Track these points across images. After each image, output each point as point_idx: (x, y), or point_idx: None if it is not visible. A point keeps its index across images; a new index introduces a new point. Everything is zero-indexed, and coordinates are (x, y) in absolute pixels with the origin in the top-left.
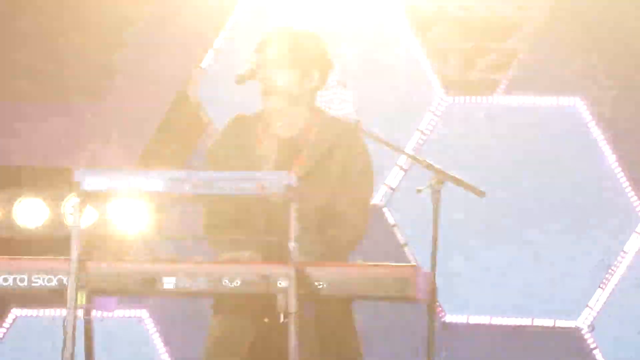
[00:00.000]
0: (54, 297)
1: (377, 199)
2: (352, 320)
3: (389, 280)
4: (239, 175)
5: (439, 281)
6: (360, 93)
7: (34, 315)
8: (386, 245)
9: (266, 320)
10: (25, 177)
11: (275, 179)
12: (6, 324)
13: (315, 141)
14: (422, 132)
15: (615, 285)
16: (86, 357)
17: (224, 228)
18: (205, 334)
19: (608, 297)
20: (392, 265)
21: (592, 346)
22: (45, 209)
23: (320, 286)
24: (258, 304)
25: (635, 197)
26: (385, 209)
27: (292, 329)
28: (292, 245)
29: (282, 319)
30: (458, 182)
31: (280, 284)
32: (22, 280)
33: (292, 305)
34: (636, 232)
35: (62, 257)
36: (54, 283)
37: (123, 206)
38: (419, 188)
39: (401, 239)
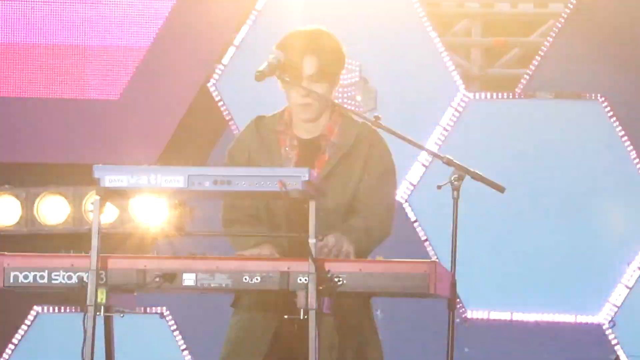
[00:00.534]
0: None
1: (397, 195)
2: (371, 316)
3: (409, 276)
4: (259, 171)
5: (459, 277)
6: (382, 89)
7: (55, 312)
8: (407, 241)
9: (286, 317)
10: (46, 174)
11: (295, 175)
12: (27, 321)
13: (337, 141)
14: (443, 127)
15: (637, 280)
16: (106, 354)
17: (244, 223)
18: (225, 331)
19: (629, 293)
20: (412, 261)
21: (613, 342)
22: (66, 206)
23: (340, 282)
24: (279, 301)
25: None
26: (405, 205)
27: (312, 325)
28: (312, 241)
29: (302, 316)
30: (479, 177)
31: (300, 280)
32: (42, 277)
33: (313, 302)
34: None
35: (83, 254)
36: (74, 280)
37: (143, 203)
38: (440, 184)
39: (422, 234)
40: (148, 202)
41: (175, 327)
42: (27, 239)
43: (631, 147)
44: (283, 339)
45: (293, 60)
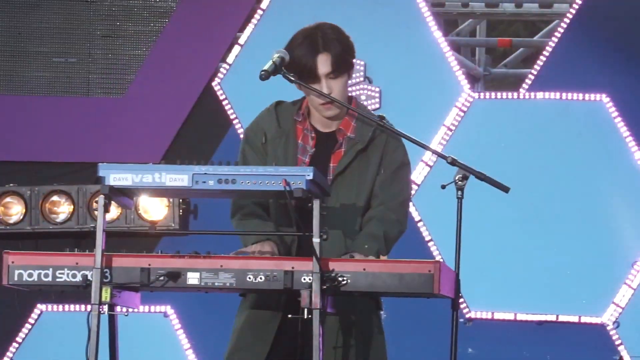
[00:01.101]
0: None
1: None
2: (378, 316)
3: (413, 275)
4: (264, 170)
5: (463, 277)
6: (387, 88)
7: (59, 310)
8: (411, 241)
9: (290, 316)
10: (51, 173)
11: (300, 175)
12: (31, 320)
13: (353, 136)
14: (447, 127)
15: None
16: (110, 352)
17: (251, 212)
18: (230, 329)
19: (633, 294)
20: (416, 261)
21: (617, 342)
22: (71, 204)
23: (345, 282)
24: (283, 297)
25: None
26: (410, 205)
27: (316, 324)
28: (316, 240)
29: (305, 315)
30: (483, 177)
31: (304, 279)
32: (46, 275)
33: (317, 301)
34: None
35: (87, 252)
36: (79, 278)
37: (148, 201)
38: (444, 184)
39: (426, 234)
40: (152, 200)
41: (179, 325)
42: (32, 237)
43: (636, 148)
44: (287, 334)
45: (305, 61)
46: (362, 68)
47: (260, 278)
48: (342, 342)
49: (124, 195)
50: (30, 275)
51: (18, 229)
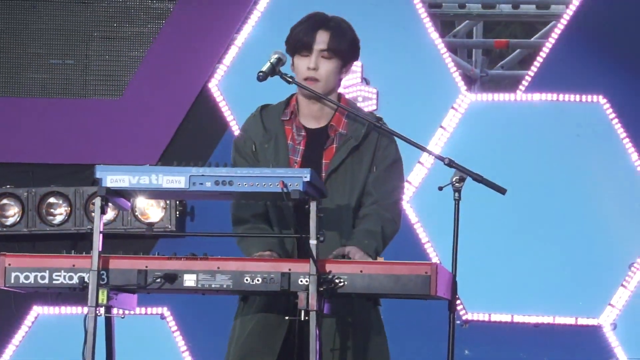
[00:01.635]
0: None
1: None
2: (379, 318)
3: (410, 277)
4: (261, 172)
5: (460, 278)
6: (383, 90)
7: (56, 313)
8: (408, 243)
9: (287, 318)
10: (48, 174)
11: (297, 176)
12: (28, 322)
13: (345, 132)
14: (444, 129)
15: (638, 283)
16: (107, 354)
17: (251, 225)
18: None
19: (630, 296)
20: (413, 263)
21: (613, 344)
22: (68, 206)
23: (342, 283)
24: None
25: None
26: (407, 206)
27: (313, 326)
28: (312, 242)
29: (302, 317)
30: (480, 179)
31: (301, 281)
32: (43, 277)
33: (314, 303)
34: None
35: (84, 254)
36: (75, 280)
37: (145, 203)
38: (441, 185)
39: (423, 236)
40: (149, 202)
41: (176, 327)
42: (29, 239)
43: (633, 149)
44: (295, 339)
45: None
46: (359, 69)
47: (258, 280)
48: (340, 343)
49: (121, 196)
50: (27, 277)
51: (15, 231)
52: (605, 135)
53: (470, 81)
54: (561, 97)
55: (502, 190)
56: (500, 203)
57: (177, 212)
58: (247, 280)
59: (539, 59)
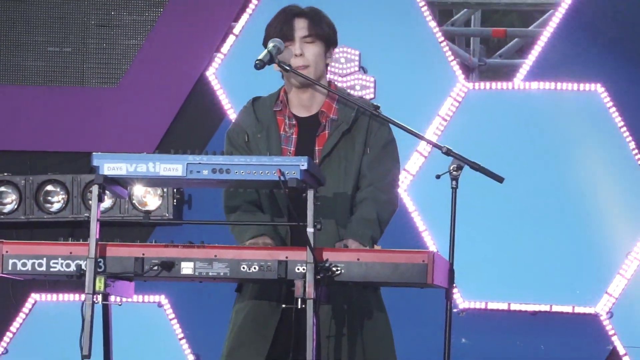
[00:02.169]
0: (73, 282)
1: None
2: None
3: (407, 265)
4: (258, 160)
5: (457, 267)
6: (381, 78)
7: (53, 300)
8: (405, 231)
9: (284, 306)
10: (45, 162)
11: (294, 164)
12: (25, 309)
13: (336, 118)
14: (442, 117)
15: (635, 271)
16: (104, 342)
17: (244, 210)
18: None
19: (627, 284)
20: (410, 251)
21: (610, 332)
22: (65, 194)
23: (339, 272)
24: (282, 288)
25: None
26: (404, 195)
27: (310, 314)
28: (310, 230)
29: (299, 305)
30: (477, 167)
31: (298, 269)
32: (40, 264)
33: (311, 291)
34: None
35: (81, 242)
36: (73, 268)
37: (141, 191)
38: (439, 174)
39: (420, 224)
40: (146, 189)
41: (173, 315)
42: (26, 227)
43: (630, 138)
44: (289, 326)
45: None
46: (356, 58)
47: (254, 268)
48: (336, 330)
49: (118, 184)
50: (24, 264)
51: (12, 219)
52: (603, 123)
53: (468, 70)
54: (559, 85)
55: (499, 179)
56: (498, 191)
57: (175, 200)
58: (244, 268)
59: (537, 48)
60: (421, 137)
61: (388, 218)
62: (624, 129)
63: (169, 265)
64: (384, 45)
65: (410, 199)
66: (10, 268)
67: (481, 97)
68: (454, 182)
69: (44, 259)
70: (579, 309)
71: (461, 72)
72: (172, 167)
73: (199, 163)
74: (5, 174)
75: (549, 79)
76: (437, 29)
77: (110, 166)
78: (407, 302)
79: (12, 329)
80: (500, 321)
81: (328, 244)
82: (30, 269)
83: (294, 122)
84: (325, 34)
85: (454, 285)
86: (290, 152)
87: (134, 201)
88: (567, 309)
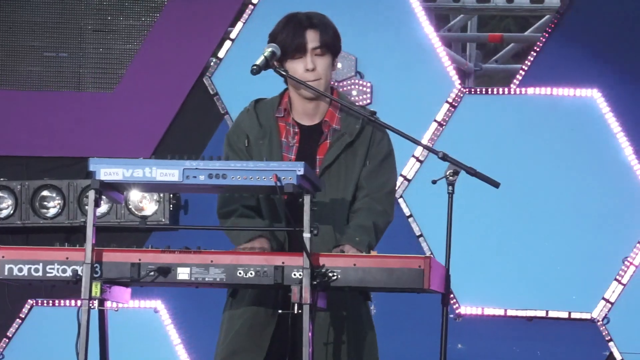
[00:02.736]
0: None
1: None
2: (368, 312)
3: (403, 271)
4: (254, 165)
5: (453, 272)
6: (378, 83)
7: (50, 305)
8: (402, 236)
9: (280, 311)
10: (41, 167)
11: (290, 170)
12: (22, 315)
13: (339, 128)
14: (438, 123)
15: (631, 277)
16: (100, 347)
17: (240, 215)
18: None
19: (624, 290)
20: (406, 256)
21: (607, 338)
22: (61, 199)
23: (335, 277)
24: (278, 294)
25: None
26: (400, 200)
27: (306, 320)
28: (306, 236)
29: (296, 310)
30: (474, 172)
31: (294, 275)
32: (36, 270)
33: (307, 297)
34: None
35: (77, 247)
36: (69, 273)
37: (138, 196)
38: (435, 179)
39: (416, 229)
40: (142, 195)
41: (169, 321)
42: (22, 232)
43: (627, 143)
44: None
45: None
46: (353, 63)
47: (251, 273)
48: (333, 338)
49: (114, 190)
50: (20, 269)
51: (8, 224)
52: (600, 129)
53: (465, 75)
54: (555, 91)
55: (495, 184)
56: (494, 197)
57: (171, 206)
58: (240, 273)
59: (533, 53)
60: (417, 142)
61: (384, 227)
62: (621, 134)
63: (165, 271)
64: (381, 51)
65: (406, 204)
66: (6, 273)
67: (477, 102)
68: (450, 187)
69: (41, 264)
70: (576, 315)
71: (457, 77)
72: (169, 172)
73: (196, 168)
74: (1, 179)
75: (545, 84)
76: (433, 34)
77: (107, 171)
78: (403, 308)
79: (9, 334)
80: (497, 327)
81: (325, 250)
82: (26, 274)
83: (296, 130)
84: (334, 45)
85: (450, 290)
86: (291, 160)
87: (130, 206)
88: (563, 314)
